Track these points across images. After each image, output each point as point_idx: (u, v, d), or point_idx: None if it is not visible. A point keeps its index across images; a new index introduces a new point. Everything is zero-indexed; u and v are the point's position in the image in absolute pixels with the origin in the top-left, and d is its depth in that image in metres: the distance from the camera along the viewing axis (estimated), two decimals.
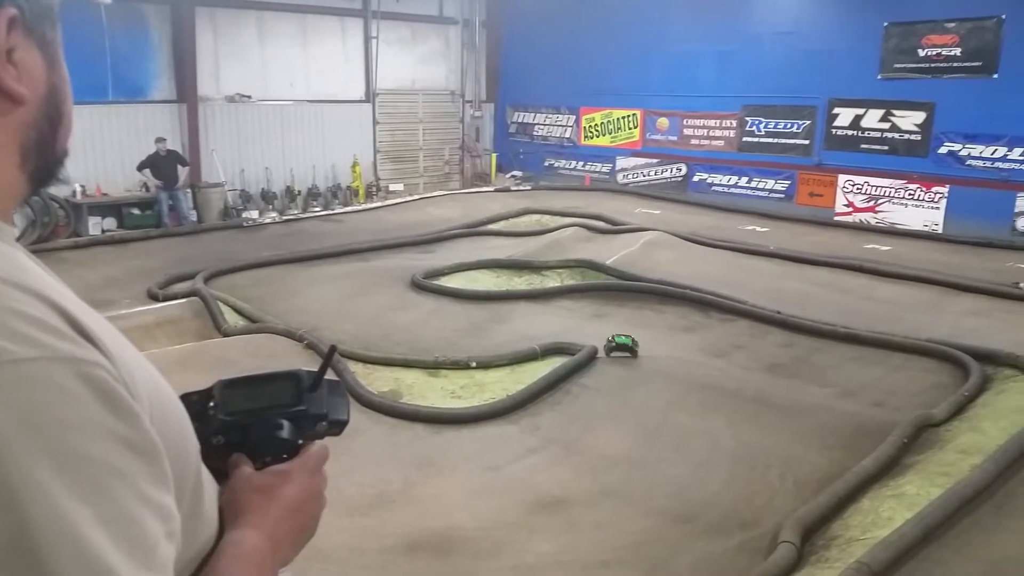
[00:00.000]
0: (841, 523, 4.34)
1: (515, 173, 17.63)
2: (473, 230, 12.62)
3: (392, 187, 16.24)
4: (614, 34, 15.99)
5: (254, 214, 13.48)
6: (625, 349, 6.83)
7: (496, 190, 16.46)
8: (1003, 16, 11.81)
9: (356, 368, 6.63)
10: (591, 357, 6.76)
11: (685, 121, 15.77)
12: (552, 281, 9.64)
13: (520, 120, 18.31)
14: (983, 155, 12.34)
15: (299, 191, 14.60)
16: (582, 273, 9.82)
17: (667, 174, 16.16)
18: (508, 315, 8.31)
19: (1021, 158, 11.97)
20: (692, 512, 4.64)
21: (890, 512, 4.34)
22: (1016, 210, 12.06)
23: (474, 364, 6.79)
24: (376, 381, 6.46)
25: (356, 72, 15.92)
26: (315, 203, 14.67)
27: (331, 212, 14.29)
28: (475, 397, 6.23)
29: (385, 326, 7.86)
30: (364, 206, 14.83)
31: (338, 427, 1.02)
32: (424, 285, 9.04)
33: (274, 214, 13.75)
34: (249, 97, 14.24)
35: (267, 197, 14.16)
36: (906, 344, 7.07)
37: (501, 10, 17.88)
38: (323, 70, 15.29)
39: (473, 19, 17.68)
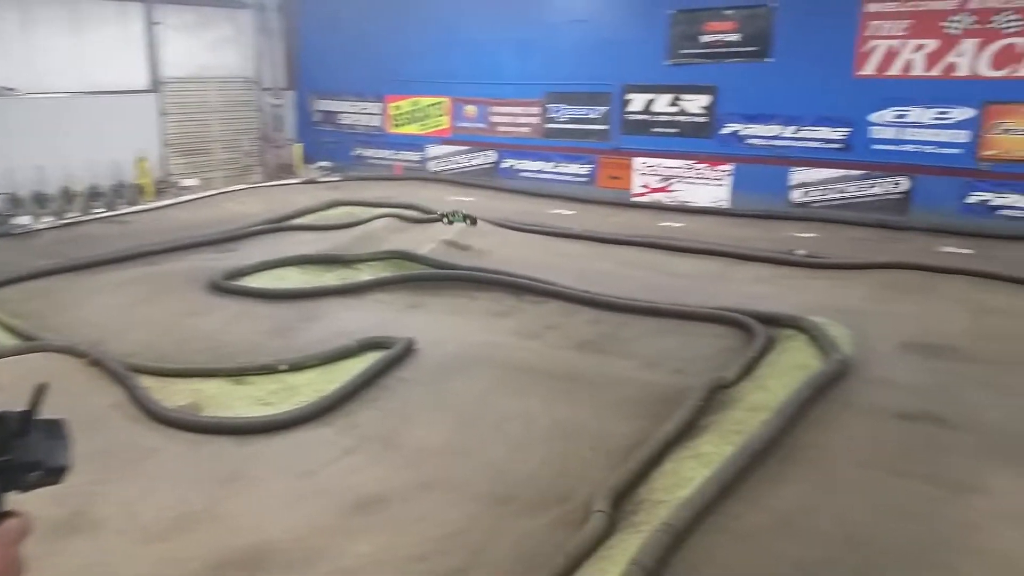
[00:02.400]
0: (648, 487, 4.55)
1: (322, 164, 17.06)
2: (278, 225, 12.04)
3: (185, 183, 15.16)
4: (417, 21, 15.89)
5: (25, 219, 12.09)
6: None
7: (302, 182, 15.84)
8: (775, 4, 12.88)
9: (149, 383, 6.10)
10: (407, 350, 6.66)
11: (492, 108, 15.97)
12: (365, 274, 9.40)
13: (325, 108, 17.74)
14: (761, 134, 13.46)
15: (78, 192, 13.27)
16: (396, 264, 9.67)
17: (478, 161, 16.30)
18: (320, 313, 8.01)
19: (793, 136, 13.17)
20: (511, 493, 4.69)
21: (691, 472, 4.61)
22: (790, 183, 13.28)
23: (284, 367, 6.46)
24: (173, 395, 5.98)
25: (138, 61, 14.70)
26: (97, 204, 13.39)
27: (115, 213, 13.09)
28: (286, 402, 5.93)
29: (182, 334, 7.32)
30: (153, 205, 13.73)
31: (55, 475, 0.87)
32: (225, 287, 8.49)
33: (50, 218, 12.41)
34: (13, 90, 12.74)
35: (41, 200, 12.76)
36: (700, 313, 7.58)
37: None
38: (100, 59, 13.99)
39: (267, 2, 16.87)
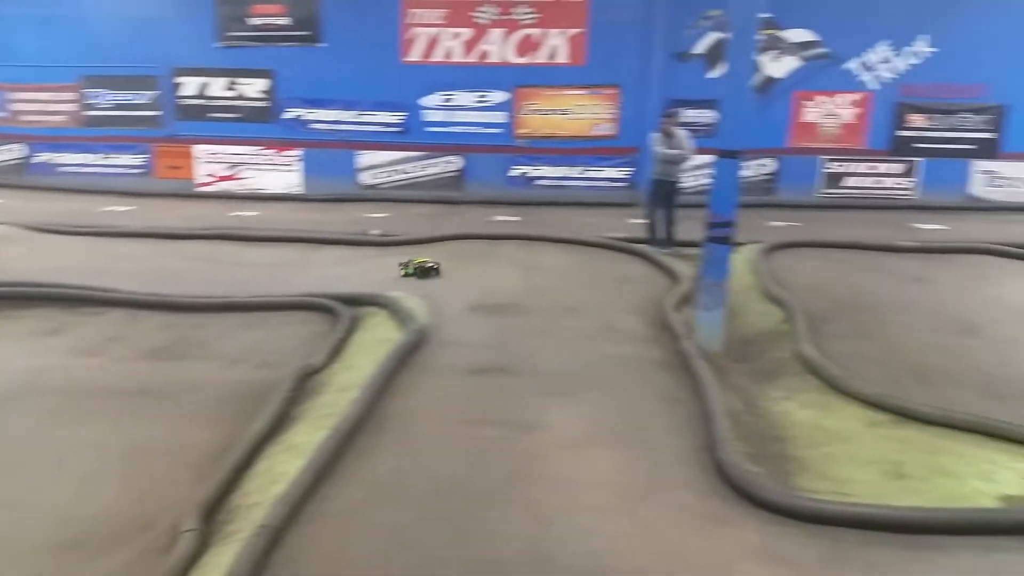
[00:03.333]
0: (241, 492, 4.34)
1: None
2: None
3: None
4: None
5: None
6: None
7: None
8: None
9: None
10: None
11: (12, 94, 13.63)
12: None
13: None
14: (324, 119, 13.61)
15: None
16: None
17: (1, 157, 13.84)
18: None
19: (354, 120, 13.57)
20: (81, 536, 4.09)
21: (285, 466, 4.50)
22: (358, 167, 13.70)
23: None
24: None
25: None
26: None
27: None
28: None
29: None
30: None
31: None
32: None
33: None
34: None
35: None
36: (281, 302, 7.44)
37: None
38: None
39: None
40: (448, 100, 13.28)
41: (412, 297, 7.56)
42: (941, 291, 8.15)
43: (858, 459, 4.64)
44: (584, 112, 13.32)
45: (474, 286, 8.31)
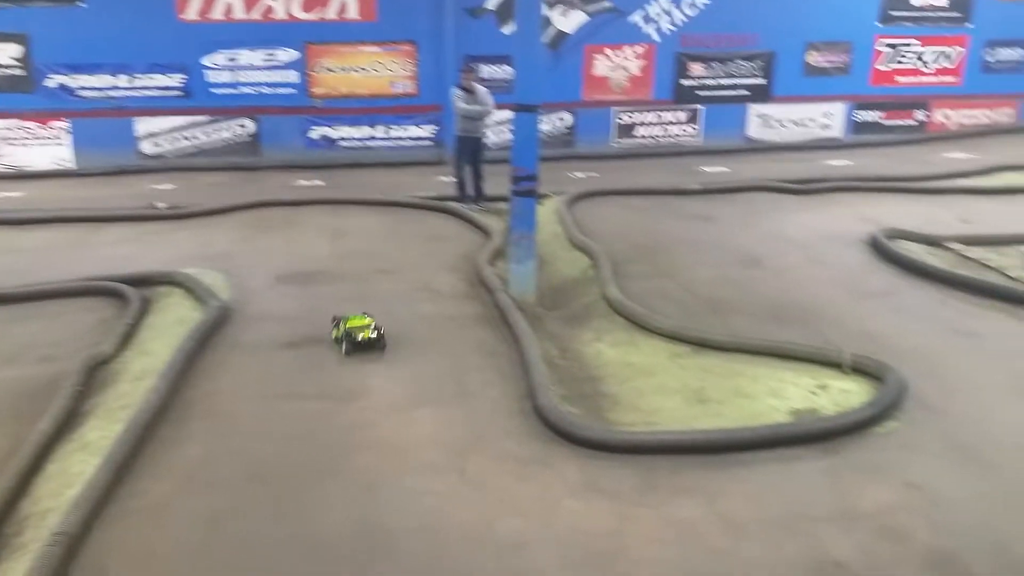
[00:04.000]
0: (31, 499, 3.91)
1: None
2: None
3: None
4: None
5: None
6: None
7: None
8: None
9: None
10: None
11: None
12: None
13: None
14: (93, 85, 12.32)
15: None
16: None
17: None
18: None
19: (128, 84, 12.38)
20: None
21: (80, 466, 4.10)
22: (137, 135, 12.56)
23: None
24: None
25: None
26: None
27: None
28: None
29: None
30: None
31: None
32: None
33: None
34: None
35: None
36: (60, 289, 6.73)
37: None
38: None
39: None
40: (233, 60, 12.44)
41: (211, 272, 7.10)
42: (726, 228, 8.84)
43: (664, 389, 4.96)
44: (381, 70, 12.99)
45: (279, 256, 7.95)
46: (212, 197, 10.20)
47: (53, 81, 12.19)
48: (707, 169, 12.30)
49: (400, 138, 13.38)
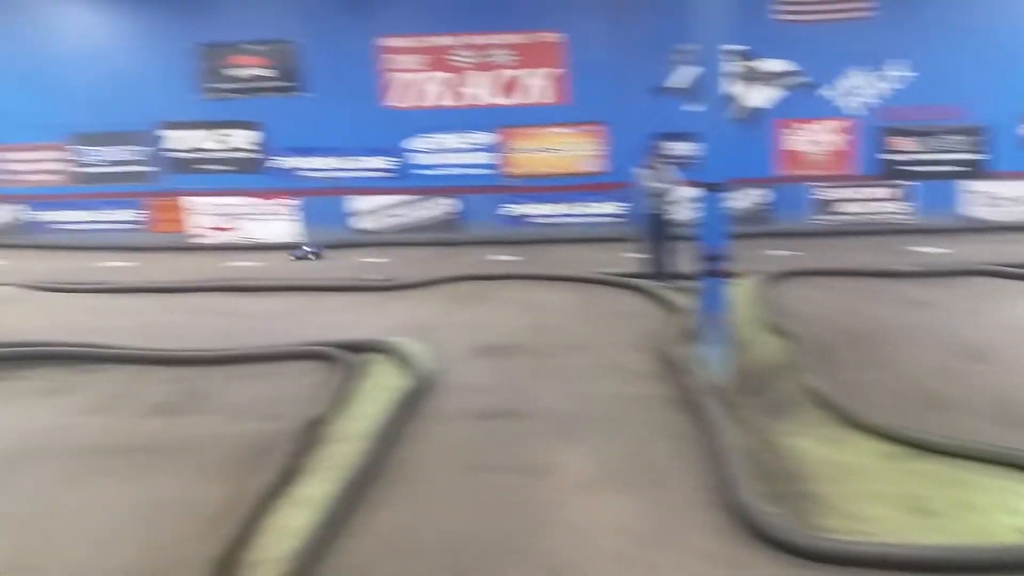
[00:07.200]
0: (254, 548, 4.26)
1: None
2: None
3: None
4: None
5: None
6: None
7: None
8: (298, 40, 13.18)
9: None
10: None
11: (5, 155, 13.71)
12: None
13: None
14: (314, 167, 13.70)
15: None
16: None
17: None
18: None
19: (345, 167, 13.64)
20: None
21: (297, 520, 4.43)
22: (352, 212, 13.74)
23: None
24: None
25: None
26: None
27: None
28: None
29: None
30: None
31: None
32: None
33: None
34: None
35: None
36: (283, 352, 7.39)
37: None
38: None
39: None
40: (435, 143, 13.39)
41: (415, 342, 7.53)
42: (946, 315, 8.14)
43: (876, 494, 4.57)
44: (571, 149, 13.44)
45: (476, 328, 8.28)
46: (417, 271, 10.88)
47: (280, 163, 13.68)
48: (916, 249, 11.47)
49: (589, 215, 13.66)
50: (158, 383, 6.96)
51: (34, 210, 13.91)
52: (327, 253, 12.73)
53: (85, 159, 13.68)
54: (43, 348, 7.56)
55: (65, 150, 13.67)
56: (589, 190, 13.56)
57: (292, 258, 12.68)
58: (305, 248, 12.75)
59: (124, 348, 7.57)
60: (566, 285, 10.01)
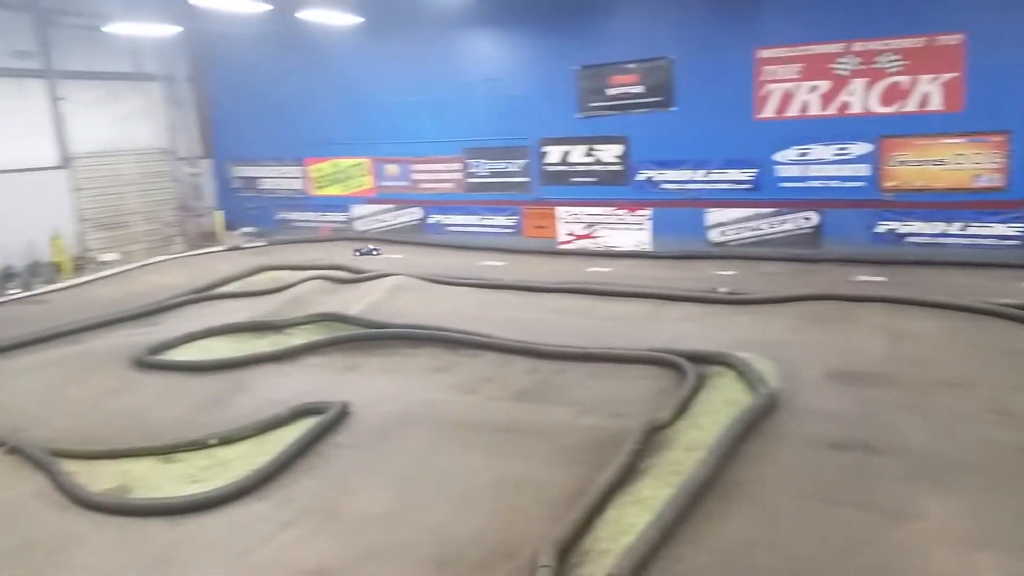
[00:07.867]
0: (592, 537, 4.56)
1: (246, 230, 16.88)
2: (203, 295, 11.77)
3: (104, 257, 14.72)
4: (330, 85, 16.12)
5: None
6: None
7: (226, 249, 15.59)
8: (673, 57, 13.48)
9: (73, 467, 5.84)
10: (342, 414, 6.56)
11: (413, 166, 16.12)
12: (297, 339, 9.23)
13: (244, 175, 17.68)
14: (674, 179, 13.94)
15: None
16: (328, 326, 9.53)
17: (404, 219, 16.41)
18: (251, 383, 7.81)
19: (704, 179, 13.68)
20: (456, 554, 4.62)
21: (633, 518, 4.64)
22: (707, 224, 13.74)
23: (214, 441, 6.27)
24: (99, 478, 5.73)
25: (44, 137, 14.36)
26: (12, 285, 12.88)
27: (32, 293, 12.62)
28: (218, 478, 5.74)
29: (106, 414, 7.04)
30: (72, 282, 13.27)
31: None
32: (149, 362, 8.23)
33: None
34: None
35: None
36: (632, 356, 7.70)
37: (207, 64, 17.24)
38: (3, 137, 13.60)
39: (176, 74, 16.80)
40: (803, 154, 12.77)
41: (762, 359, 7.34)
42: None
43: None
44: (963, 162, 11.89)
45: (831, 352, 7.79)
46: (769, 286, 10.55)
47: (643, 175, 14.15)
48: None
49: (980, 236, 11.99)
50: (520, 372, 7.72)
51: (432, 213, 16.19)
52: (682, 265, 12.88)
53: (474, 170, 15.57)
54: (430, 332, 8.79)
55: (459, 162, 15.69)
56: (980, 208, 11.90)
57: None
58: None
59: (495, 338, 8.49)
60: (944, 313, 8.90)
